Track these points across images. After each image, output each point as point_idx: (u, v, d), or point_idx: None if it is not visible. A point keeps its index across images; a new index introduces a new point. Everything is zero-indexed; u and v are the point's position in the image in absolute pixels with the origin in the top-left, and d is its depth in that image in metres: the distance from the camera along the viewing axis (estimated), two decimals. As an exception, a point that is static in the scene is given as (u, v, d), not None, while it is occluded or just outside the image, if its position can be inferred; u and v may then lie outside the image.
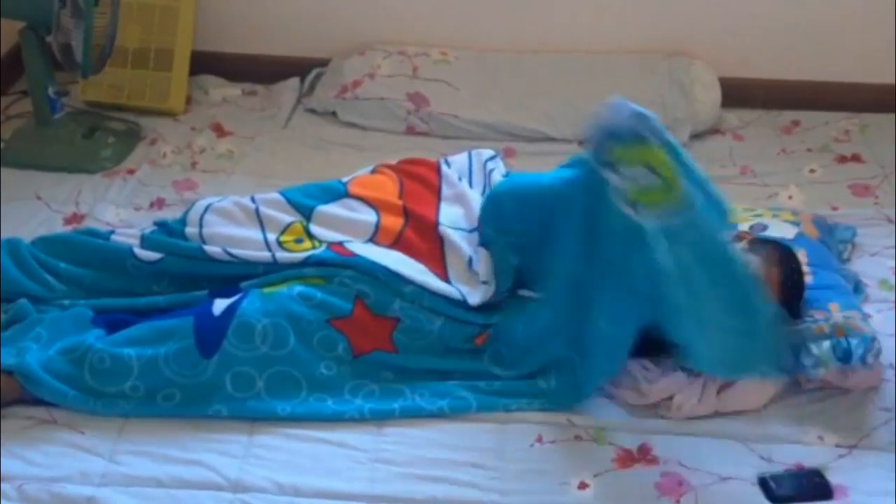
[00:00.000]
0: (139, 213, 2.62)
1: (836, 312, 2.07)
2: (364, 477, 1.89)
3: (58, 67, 2.76)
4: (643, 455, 1.94)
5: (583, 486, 1.88)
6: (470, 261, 2.20)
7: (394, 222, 2.26)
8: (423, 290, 2.11)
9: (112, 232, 2.33)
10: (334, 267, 2.13)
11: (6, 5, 2.66)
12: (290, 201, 2.30)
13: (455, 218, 2.29)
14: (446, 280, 2.16)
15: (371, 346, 2.07)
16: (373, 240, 2.22)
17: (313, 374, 2.02)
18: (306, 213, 2.28)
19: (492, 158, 2.47)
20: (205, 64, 3.21)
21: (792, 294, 2.08)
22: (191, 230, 2.26)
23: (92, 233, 2.34)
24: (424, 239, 2.23)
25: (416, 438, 1.97)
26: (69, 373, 1.98)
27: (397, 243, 2.22)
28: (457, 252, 2.22)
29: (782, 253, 2.11)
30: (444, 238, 2.23)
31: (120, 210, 2.64)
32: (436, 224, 2.26)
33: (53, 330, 2.05)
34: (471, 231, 2.27)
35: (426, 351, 2.10)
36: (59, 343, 2.02)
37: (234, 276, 2.17)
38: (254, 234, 2.24)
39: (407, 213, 2.28)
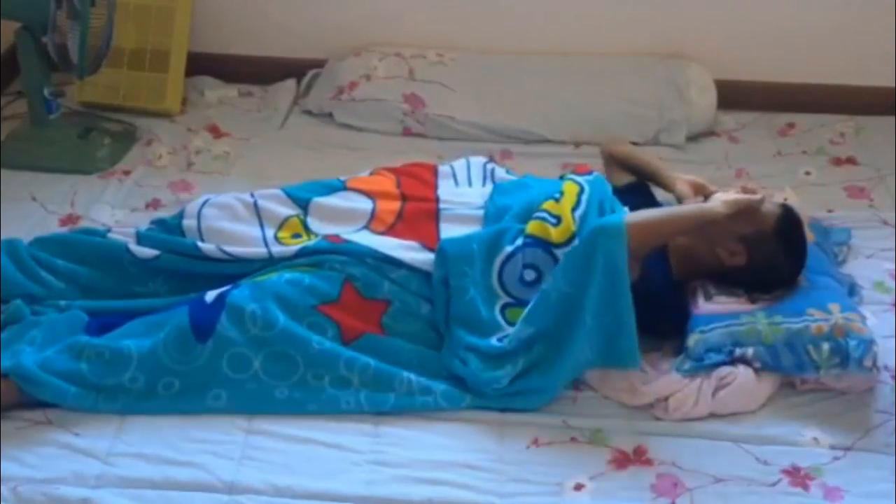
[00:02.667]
0: (135, 215, 2.61)
1: (837, 313, 2.07)
2: (360, 479, 1.88)
3: (54, 68, 2.76)
4: (639, 456, 1.95)
5: (578, 487, 1.88)
6: None
7: (390, 206, 2.30)
8: (411, 274, 2.14)
9: (108, 230, 2.34)
10: (325, 254, 2.15)
11: (3, 6, 2.66)
12: (288, 195, 2.35)
13: (453, 197, 2.33)
14: None
15: (360, 330, 2.08)
16: (367, 226, 2.25)
17: (308, 349, 2.03)
18: (303, 205, 2.32)
19: (487, 162, 2.52)
20: (201, 65, 3.21)
21: (780, 250, 2.14)
22: (188, 222, 2.28)
23: (88, 231, 2.36)
24: (422, 216, 2.27)
25: (412, 440, 1.97)
26: (68, 369, 1.98)
27: (392, 228, 2.25)
28: (454, 229, 2.25)
29: (783, 210, 2.19)
30: (442, 215, 2.27)
31: (115, 211, 2.64)
32: (435, 208, 2.29)
33: (48, 333, 2.05)
34: (470, 207, 2.30)
35: (416, 338, 2.12)
36: (55, 345, 2.02)
37: (230, 275, 2.18)
38: (251, 229, 2.27)
39: (404, 197, 2.32)
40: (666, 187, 2.38)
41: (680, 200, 2.31)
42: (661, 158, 2.87)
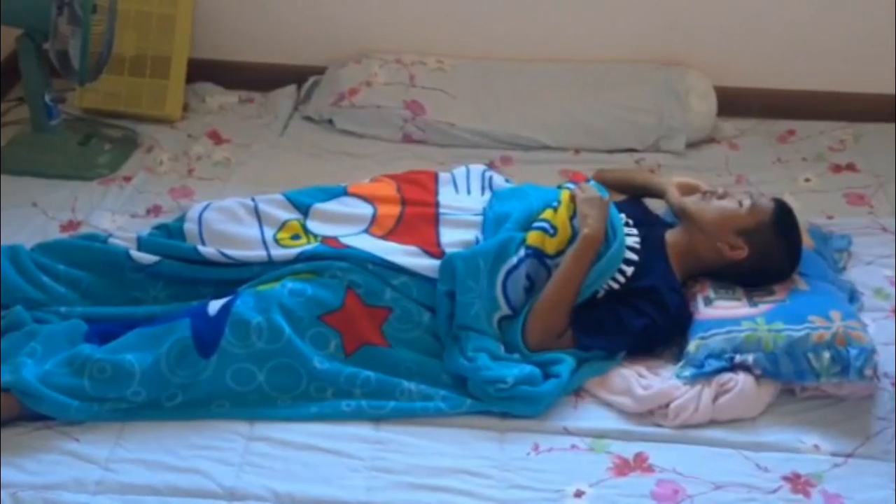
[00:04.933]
0: (135, 221, 2.61)
1: (839, 321, 2.07)
2: (361, 485, 1.88)
3: (55, 74, 2.76)
4: (639, 464, 1.95)
5: (579, 494, 1.88)
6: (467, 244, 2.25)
7: (391, 211, 2.31)
8: (412, 281, 2.15)
9: (109, 236, 2.34)
10: (326, 260, 2.16)
11: (4, 12, 2.66)
12: (290, 200, 2.36)
13: (453, 203, 2.35)
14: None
15: (362, 340, 2.09)
16: (367, 230, 2.27)
17: (311, 363, 2.04)
18: (304, 210, 2.34)
19: (485, 171, 2.53)
20: (202, 71, 3.21)
21: (779, 240, 2.18)
22: (189, 226, 2.30)
23: (89, 237, 2.36)
24: (421, 220, 2.29)
25: (412, 447, 1.97)
26: (69, 384, 1.97)
27: (392, 232, 2.26)
28: (454, 233, 2.26)
29: (777, 203, 2.23)
30: (441, 219, 2.28)
31: (116, 217, 2.64)
32: (435, 213, 2.31)
33: (48, 345, 2.05)
34: (469, 213, 2.32)
35: (417, 345, 2.12)
36: (55, 357, 2.01)
37: (231, 280, 2.19)
38: (251, 231, 2.28)
39: (404, 202, 2.33)
40: (659, 196, 2.41)
41: (672, 205, 2.33)
42: (661, 165, 2.90)
